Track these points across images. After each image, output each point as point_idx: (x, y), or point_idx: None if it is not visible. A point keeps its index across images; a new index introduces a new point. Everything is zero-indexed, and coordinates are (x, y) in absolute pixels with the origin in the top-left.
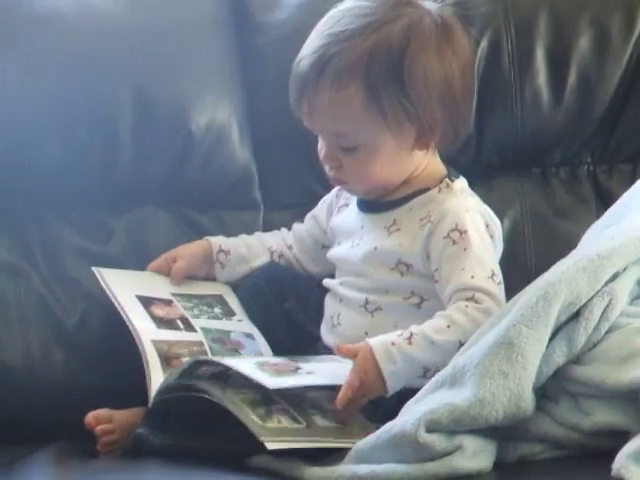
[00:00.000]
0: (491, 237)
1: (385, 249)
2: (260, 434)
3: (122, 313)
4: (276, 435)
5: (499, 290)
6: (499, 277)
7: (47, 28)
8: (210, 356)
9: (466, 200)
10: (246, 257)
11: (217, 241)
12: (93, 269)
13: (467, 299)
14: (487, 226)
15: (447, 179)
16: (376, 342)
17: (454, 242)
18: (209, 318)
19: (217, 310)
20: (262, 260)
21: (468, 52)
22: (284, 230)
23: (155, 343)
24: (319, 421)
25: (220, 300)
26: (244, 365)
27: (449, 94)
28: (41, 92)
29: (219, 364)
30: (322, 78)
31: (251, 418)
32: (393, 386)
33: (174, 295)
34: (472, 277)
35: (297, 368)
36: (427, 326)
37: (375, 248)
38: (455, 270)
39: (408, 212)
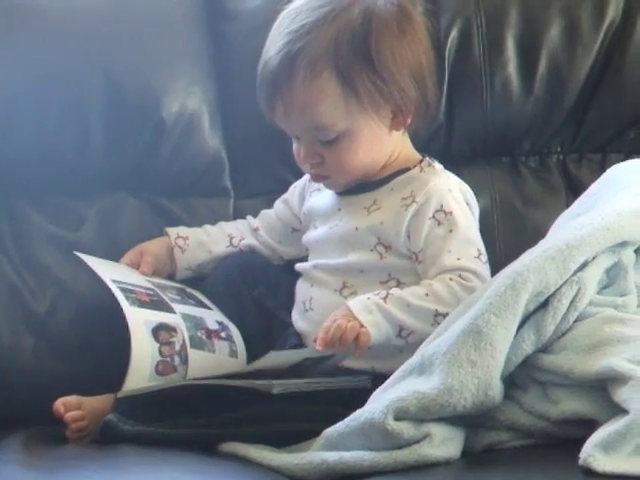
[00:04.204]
0: (473, 215)
1: (366, 228)
2: None
3: (111, 287)
4: None
5: (485, 269)
6: (485, 256)
7: (17, 16)
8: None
9: (448, 179)
10: (205, 242)
11: (175, 230)
12: (76, 253)
13: (452, 275)
14: (467, 204)
15: (427, 159)
16: (352, 300)
17: (439, 223)
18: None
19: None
20: (222, 245)
21: (424, 29)
22: (249, 217)
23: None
24: None
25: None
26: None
27: (418, 69)
28: (11, 79)
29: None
30: (293, 72)
31: None
32: (375, 334)
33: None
34: (458, 259)
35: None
36: (406, 290)
37: (356, 228)
38: (441, 252)
39: (389, 192)
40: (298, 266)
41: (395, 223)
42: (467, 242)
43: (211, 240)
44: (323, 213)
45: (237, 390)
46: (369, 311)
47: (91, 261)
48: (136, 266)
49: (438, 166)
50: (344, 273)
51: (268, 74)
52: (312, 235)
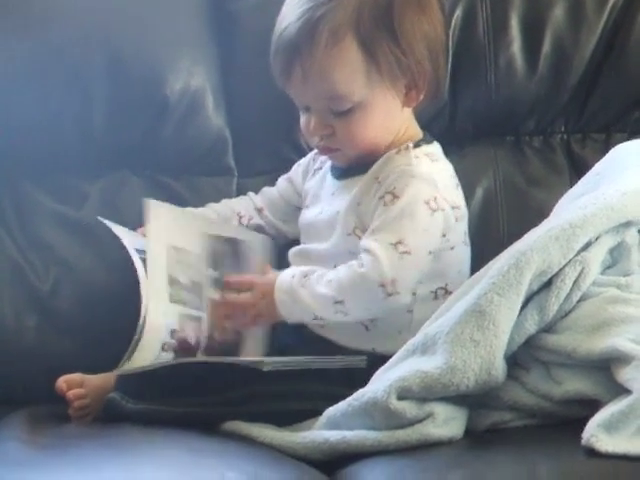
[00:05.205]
0: (434, 210)
1: (346, 209)
2: None
3: (133, 257)
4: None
5: (396, 260)
6: (407, 247)
7: None
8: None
9: (418, 166)
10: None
11: None
12: (99, 219)
13: (360, 259)
14: (435, 199)
15: (410, 143)
16: (284, 274)
17: (384, 204)
18: None
19: None
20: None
21: (440, 7)
22: (251, 194)
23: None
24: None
25: None
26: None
27: (433, 46)
28: (14, 57)
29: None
30: (315, 38)
31: None
32: (287, 314)
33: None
34: (375, 240)
35: None
36: (323, 275)
37: (337, 212)
38: (369, 229)
39: (371, 173)
40: (292, 250)
41: (367, 203)
42: (390, 229)
43: (221, 220)
44: (318, 195)
45: (229, 368)
46: (285, 291)
47: (116, 229)
48: None
49: (419, 152)
50: (332, 258)
51: (286, 40)
52: (305, 216)
